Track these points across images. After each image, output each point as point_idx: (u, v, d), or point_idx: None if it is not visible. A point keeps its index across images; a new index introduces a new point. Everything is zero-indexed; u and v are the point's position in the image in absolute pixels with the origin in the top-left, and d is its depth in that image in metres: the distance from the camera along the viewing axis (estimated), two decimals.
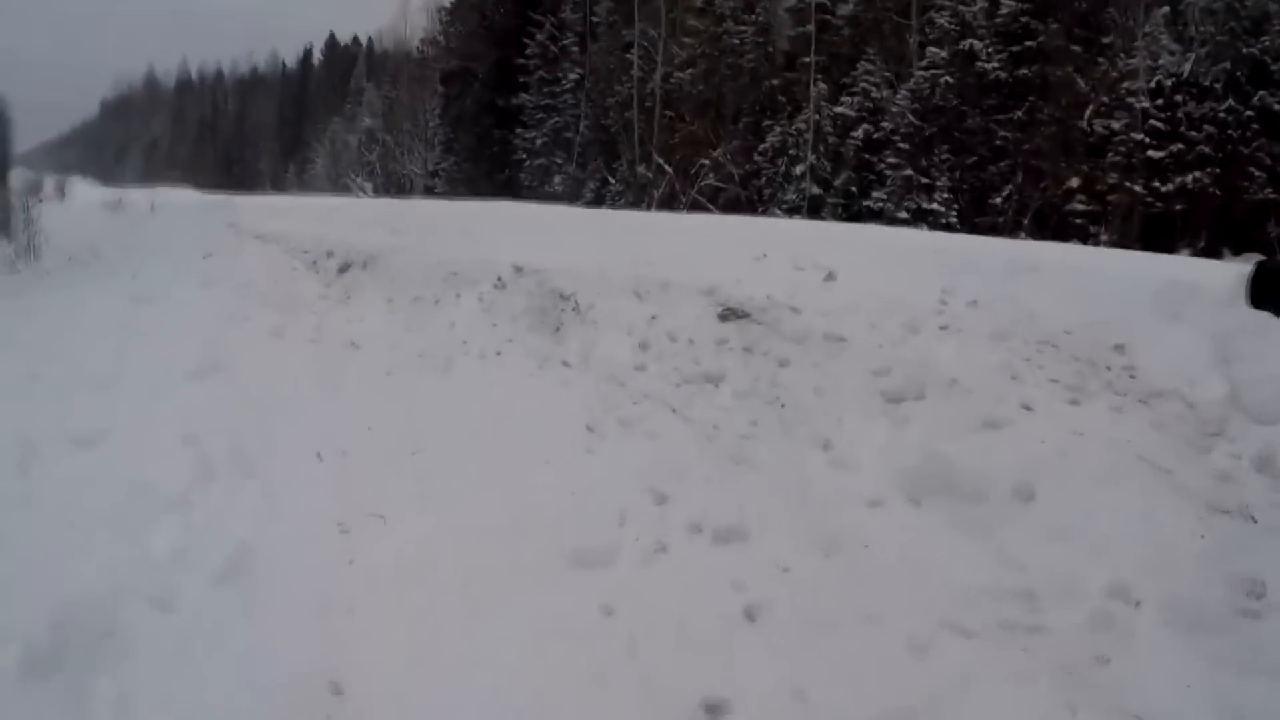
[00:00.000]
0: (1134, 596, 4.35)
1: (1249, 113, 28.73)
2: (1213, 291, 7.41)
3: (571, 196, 37.16)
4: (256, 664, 4.23)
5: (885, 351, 7.00)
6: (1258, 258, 9.51)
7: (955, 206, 31.19)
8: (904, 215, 30.68)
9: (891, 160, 32.18)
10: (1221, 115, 28.99)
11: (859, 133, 33.69)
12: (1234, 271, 8.00)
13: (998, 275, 8.73)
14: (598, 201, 36.30)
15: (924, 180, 31.56)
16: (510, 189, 37.48)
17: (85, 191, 42.30)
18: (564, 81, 41.23)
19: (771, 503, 5.41)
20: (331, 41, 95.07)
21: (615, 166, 38.93)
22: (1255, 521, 4.83)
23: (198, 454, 6.33)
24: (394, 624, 4.59)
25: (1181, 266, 11.83)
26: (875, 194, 32.55)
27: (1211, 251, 27.27)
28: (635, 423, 6.61)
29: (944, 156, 31.66)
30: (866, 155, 33.55)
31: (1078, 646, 4.12)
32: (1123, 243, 27.59)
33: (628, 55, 38.72)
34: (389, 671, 4.26)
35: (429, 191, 42.05)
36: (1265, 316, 6.81)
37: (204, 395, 7.64)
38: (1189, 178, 29.08)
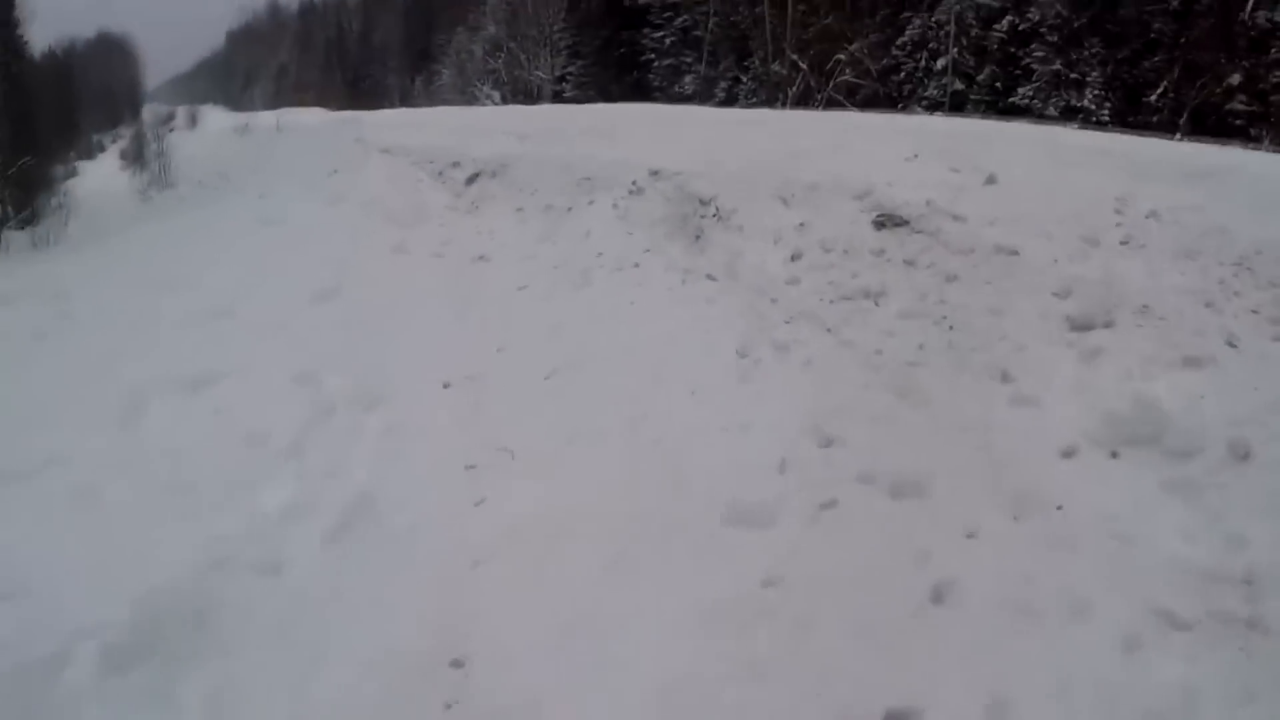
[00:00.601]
0: None
1: None
2: None
3: (703, 96, 35.94)
4: (370, 639, 3.68)
5: (1063, 268, 6.13)
6: None
7: (1107, 104, 28.96)
8: (1052, 112, 28.63)
9: (1039, 54, 29.98)
10: None
11: (1003, 24, 31.51)
12: None
13: (1173, 181, 7.68)
14: (729, 101, 35.00)
15: (1073, 75, 29.36)
16: (639, 91, 36.40)
17: (215, 119, 43.05)
18: None
19: (950, 449, 4.62)
20: None
21: (747, 64, 37.48)
22: None
23: (315, 390, 5.82)
24: (523, 588, 3.98)
25: None
26: (1022, 90, 30.46)
27: None
28: (791, 346, 5.85)
29: (1095, 50, 29.29)
30: (1011, 49, 31.40)
31: None
32: None
33: None
34: (516, 646, 3.66)
35: (557, 97, 41.24)
36: None
37: (325, 321, 7.13)
38: None
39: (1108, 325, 5.41)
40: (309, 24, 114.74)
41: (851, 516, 4.24)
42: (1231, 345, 5.07)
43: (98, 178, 32.15)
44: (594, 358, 6.00)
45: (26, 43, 29.53)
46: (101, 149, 52.17)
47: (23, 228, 19.30)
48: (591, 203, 9.12)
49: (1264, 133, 27.35)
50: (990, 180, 7.99)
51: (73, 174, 32.86)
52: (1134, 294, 5.61)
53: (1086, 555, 3.81)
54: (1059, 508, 4.12)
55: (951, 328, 5.74)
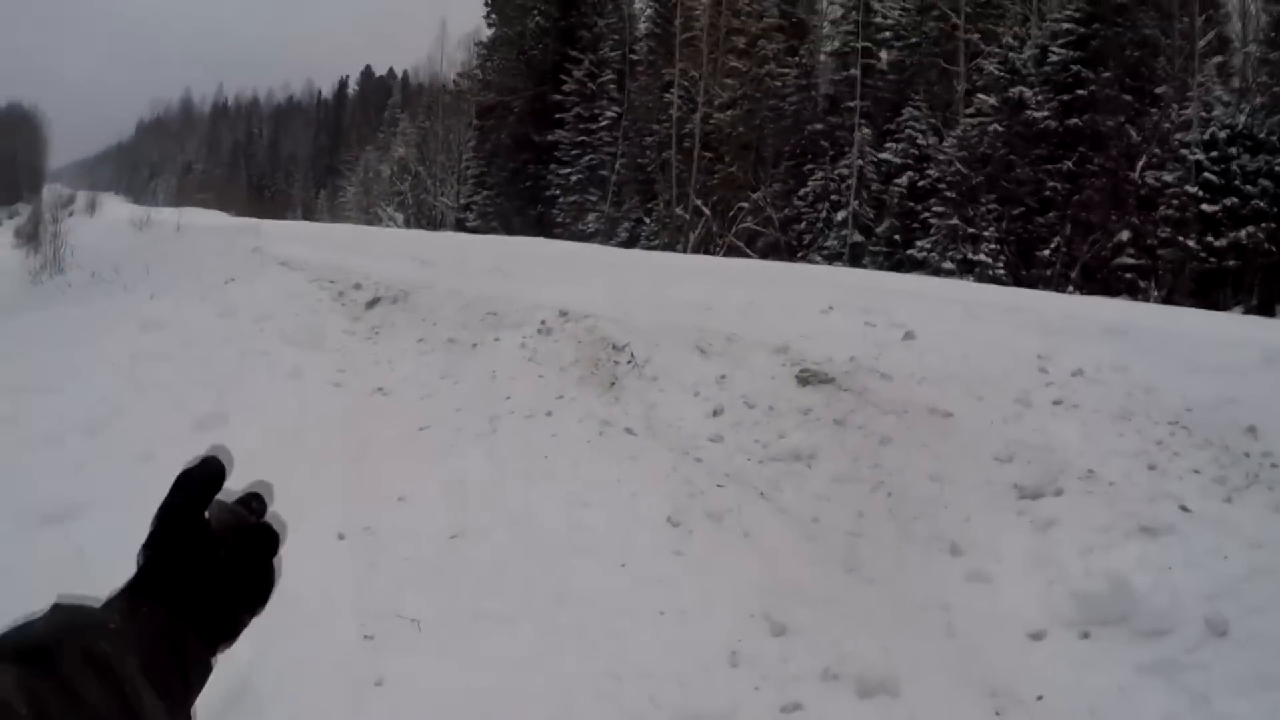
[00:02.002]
0: None
1: None
2: None
3: (606, 235, 36.25)
4: None
5: (1000, 430, 6.05)
6: None
7: (1002, 258, 30.06)
8: (949, 266, 29.57)
9: (937, 209, 31.10)
10: (1277, 169, 27.91)
11: (903, 180, 32.66)
12: None
13: (1090, 338, 7.79)
14: (632, 242, 35.30)
15: (970, 230, 30.47)
16: (543, 226, 36.56)
17: (115, 208, 41.90)
18: (601, 119, 40.52)
19: (911, 637, 4.36)
20: (367, 73, 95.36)
21: (651, 207, 38.06)
22: None
23: None
24: None
25: (1269, 329, 10.84)
26: (919, 243, 31.45)
27: (1265, 309, 26.33)
28: (724, 515, 5.55)
29: (991, 206, 30.56)
30: (911, 203, 32.51)
31: None
32: (1172, 299, 26.55)
33: (667, 95, 37.97)
34: None
35: (460, 225, 41.16)
36: None
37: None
38: (1243, 232, 27.96)
39: (1057, 493, 5.32)
40: (219, 125, 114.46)
41: None
42: (1185, 510, 5.01)
43: None
44: (505, 518, 5.56)
45: None
46: None
47: None
48: (498, 340, 8.81)
49: (1151, 285, 28.51)
50: (909, 336, 7.95)
51: None
52: (1076, 458, 5.54)
53: None
54: (1039, 698, 3.87)
55: (890, 494, 5.56)
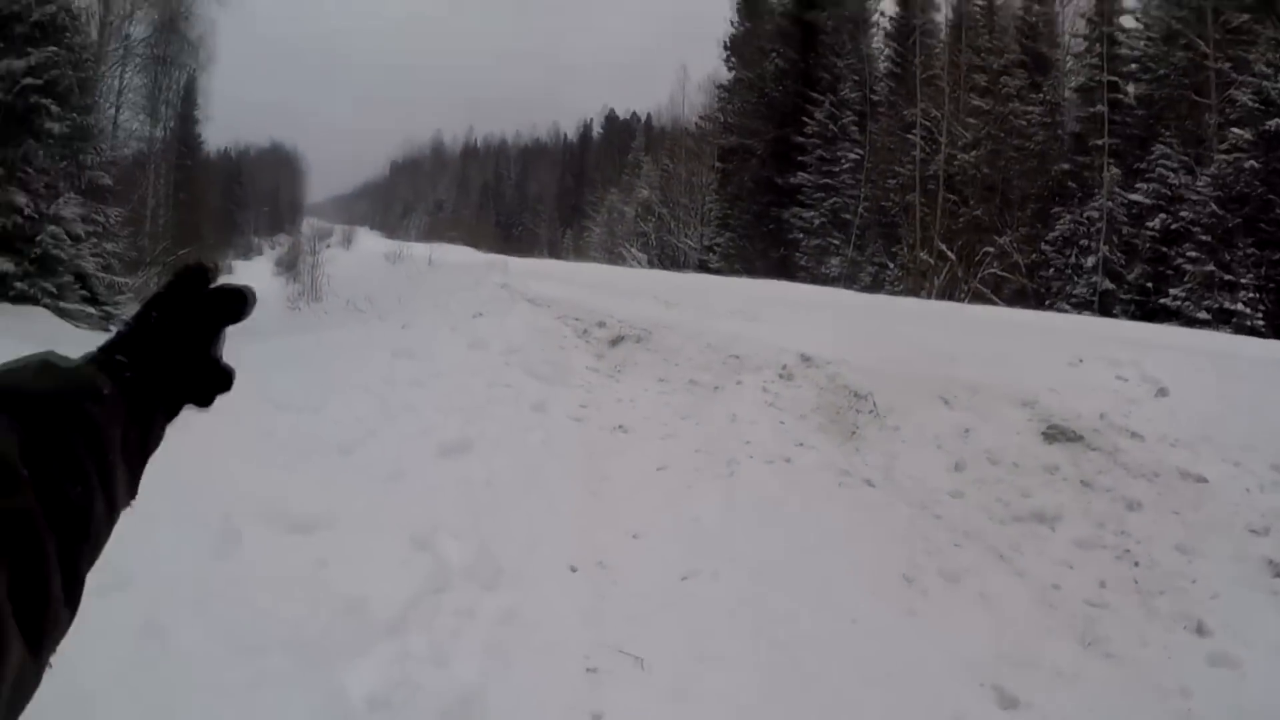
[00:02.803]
0: None
1: None
2: None
3: (848, 279, 35.77)
4: None
5: (1256, 500, 5.56)
6: None
7: (1261, 307, 27.65)
8: (1203, 315, 27.54)
9: (1190, 254, 29.05)
10: None
11: (1154, 222, 30.72)
12: None
13: None
14: (875, 286, 34.69)
15: (1226, 277, 28.26)
16: (785, 268, 36.42)
17: (369, 242, 44.26)
18: (843, 161, 40.18)
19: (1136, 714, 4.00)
20: (611, 116, 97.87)
21: (894, 250, 37.38)
22: None
23: (431, 558, 5.28)
24: None
25: None
26: (1172, 291, 29.40)
27: None
28: (962, 576, 5.29)
29: (1249, 251, 28.26)
30: (1163, 248, 30.55)
31: None
32: None
33: (909, 136, 37.26)
34: None
35: (702, 266, 41.56)
36: None
37: (451, 479, 6.67)
38: None
39: None
40: (468, 165, 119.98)
41: None
42: None
43: (251, 278, 33.06)
44: (736, 562, 5.46)
45: (202, 141, 31.15)
46: (259, 252, 54.46)
47: None
48: (739, 383, 8.72)
49: None
50: (1162, 392, 7.48)
51: (228, 270, 34.14)
52: None
53: None
54: None
55: (1136, 564, 5.20)
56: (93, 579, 0.75)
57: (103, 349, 0.89)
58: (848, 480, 6.58)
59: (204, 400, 0.96)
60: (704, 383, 9.01)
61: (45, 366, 0.79)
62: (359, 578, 4.89)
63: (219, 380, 0.95)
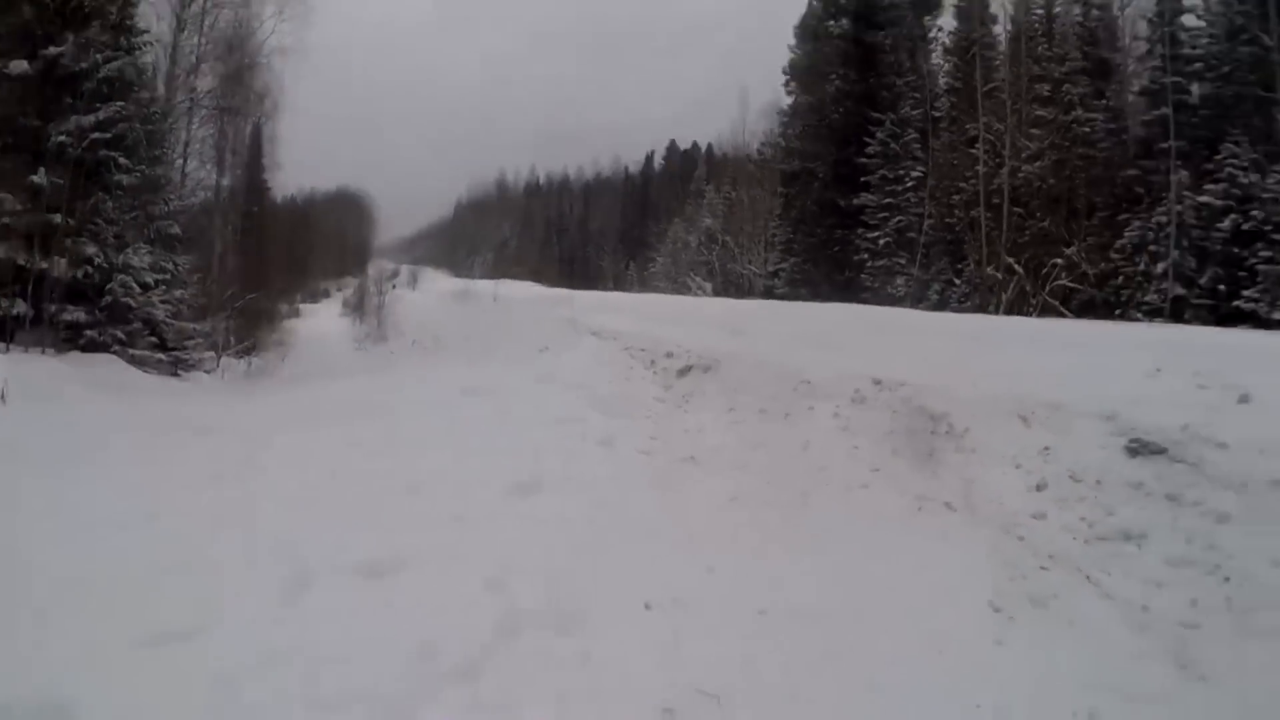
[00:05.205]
0: None
1: None
2: None
3: (915, 299, 35.31)
4: None
5: None
6: None
7: None
8: (1279, 316, 26.86)
9: (1264, 253, 28.36)
10: None
11: (1225, 224, 30.03)
12: None
13: None
14: (942, 304, 34.20)
15: None
16: (851, 290, 36.01)
17: (435, 281, 44.71)
18: (906, 180, 39.74)
19: None
20: (672, 147, 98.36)
21: (960, 267, 36.82)
22: None
23: (504, 600, 5.18)
24: None
25: None
26: (1246, 293, 28.70)
27: None
28: (1049, 602, 5.10)
29: None
30: (1235, 249, 29.83)
31: None
32: None
33: (972, 150, 36.74)
34: None
35: (768, 292, 41.30)
36: None
37: (522, 519, 6.59)
38: None
39: None
40: (532, 203, 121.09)
41: None
42: None
43: (319, 320, 33.58)
44: (817, 596, 5.30)
45: (270, 187, 31.72)
46: (326, 294, 55.37)
47: (241, 356, 20.29)
48: (811, 409, 8.56)
49: None
50: (1244, 399, 7.18)
51: (296, 313, 34.77)
52: None
53: None
54: None
55: (1228, 579, 4.94)
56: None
57: None
58: (927, 504, 6.40)
59: None
60: (773, 411, 8.85)
61: None
62: (430, 622, 4.82)
63: None
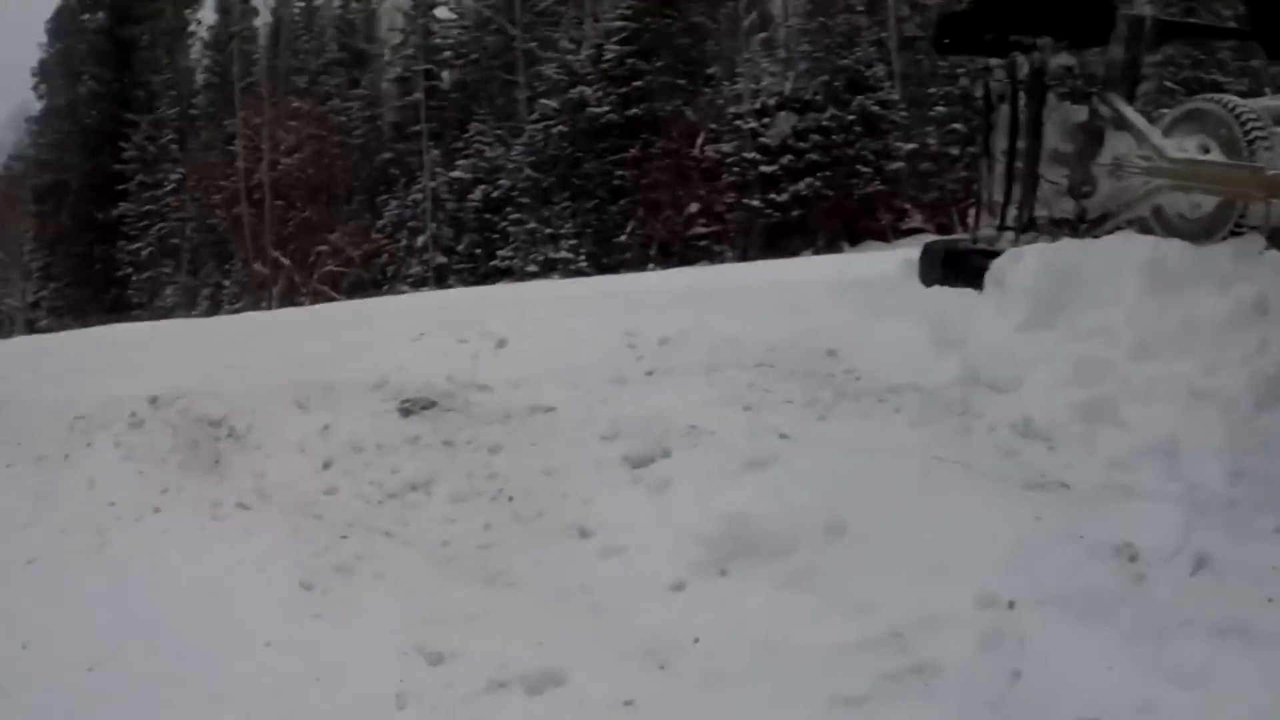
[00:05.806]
0: (1006, 599, 3.69)
1: (850, 118, 30.95)
2: (885, 279, 7.69)
3: (186, 307, 34.47)
4: None
5: (600, 412, 6.28)
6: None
7: (582, 251, 31.46)
8: (533, 269, 30.54)
9: (514, 216, 32.04)
10: (825, 124, 30.99)
11: (477, 194, 33.35)
12: (898, 259, 8.36)
13: (670, 309, 8.29)
14: (214, 309, 33.58)
15: (548, 231, 31.68)
16: (120, 309, 34.07)
17: None
18: (166, 184, 38.44)
19: (563, 624, 4.42)
20: None
21: (229, 268, 36.64)
22: (1068, 488, 4.52)
23: None
24: None
25: (834, 266, 12.06)
26: (501, 253, 32.27)
27: (831, 247, 29.33)
28: (354, 565, 5.47)
29: (564, 204, 31.91)
30: (488, 215, 33.25)
31: (979, 671, 3.44)
32: (746, 255, 28.97)
33: (230, 147, 36.64)
34: None
35: (31, 326, 37.82)
36: (955, 293, 6.94)
37: None
38: (802, 185, 31.03)
39: (665, 455, 5.47)
40: None
41: None
42: (784, 437, 5.39)
43: None
44: (144, 625, 5.24)
45: None
46: None
47: None
48: (89, 445, 8.19)
49: (726, 248, 30.97)
50: (501, 344, 8.09)
51: None
52: (677, 418, 5.78)
53: (743, 679, 3.74)
54: (696, 640, 4.01)
55: (511, 499, 5.62)
56: None
57: None
58: (220, 509, 6.46)
59: None
60: (53, 455, 8.32)
61: None
62: None
63: None
